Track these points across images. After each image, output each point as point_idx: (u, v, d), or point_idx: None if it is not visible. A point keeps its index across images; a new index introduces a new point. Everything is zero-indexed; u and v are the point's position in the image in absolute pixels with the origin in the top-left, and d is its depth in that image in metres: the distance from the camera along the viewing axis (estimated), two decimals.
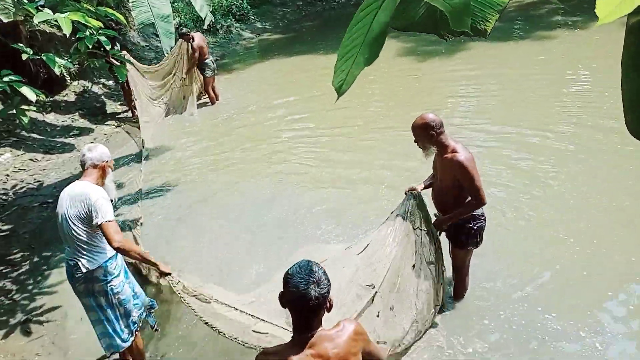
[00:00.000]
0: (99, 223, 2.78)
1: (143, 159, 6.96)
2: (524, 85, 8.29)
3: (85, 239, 2.88)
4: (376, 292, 2.76)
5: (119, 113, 9.02)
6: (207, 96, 9.38)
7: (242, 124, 8.26)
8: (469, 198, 3.19)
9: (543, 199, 4.91)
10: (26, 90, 3.42)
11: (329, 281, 1.84)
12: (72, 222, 2.86)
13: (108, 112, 8.94)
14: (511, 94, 7.99)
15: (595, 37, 10.17)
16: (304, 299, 1.77)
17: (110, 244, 2.80)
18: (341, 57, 0.92)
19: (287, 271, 1.85)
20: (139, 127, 7.83)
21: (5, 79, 3.44)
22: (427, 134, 3.12)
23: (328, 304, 1.85)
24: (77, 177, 3.02)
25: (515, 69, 9.11)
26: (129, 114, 8.78)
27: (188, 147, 7.51)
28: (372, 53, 0.88)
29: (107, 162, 3.06)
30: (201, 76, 9.20)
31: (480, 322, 3.51)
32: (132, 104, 8.37)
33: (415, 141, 3.25)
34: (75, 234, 2.87)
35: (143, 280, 4.02)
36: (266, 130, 7.90)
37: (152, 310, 3.44)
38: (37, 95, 3.56)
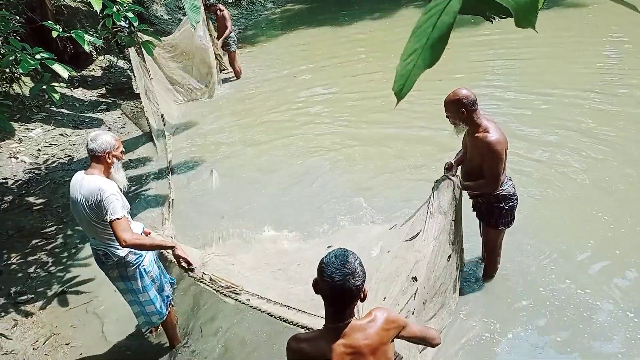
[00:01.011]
0: (108, 221, 2.72)
1: (171, 133, 7.00)
2: (555, 51, 8.11)
3: (109, 231, 2.81)
4: (417, 288, 2.68)
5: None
6: (231, 70, 9.33)
7: (268, 95, 8.26)
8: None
9: (575, 172, 4.79)
10: (58, 68, 3.43)
11: (364, 272, 1.79)
12: (92, 220, 2.81)
13: (134, 86, 8.98)
14: (541, 60, 7.82)
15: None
16: (338, 290, 1.73)
17: (119, 242, 2.71)
18: (403, 61, 0.87)
19: (322, 259, 1.79)
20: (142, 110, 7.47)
21: (38, 56, 3.46)
22: (457, 110, 2.99)
23: (362, 295, 1.80)
24: None
25: (544, 36, 8.81)
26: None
27: (215, 121, 7.53)
28: (434, 55, 0.84)
29: (110, 152, 2.84)
30: (220, 51, 9.10)
31: (518, 303, 3.43)
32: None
33: (447, 116, 3.13)
34: (98, 229, 2.85)
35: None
36: (292, 99, 7.89)
37: (173, 287, 3.50)
38: (68, 72, 3.56)
